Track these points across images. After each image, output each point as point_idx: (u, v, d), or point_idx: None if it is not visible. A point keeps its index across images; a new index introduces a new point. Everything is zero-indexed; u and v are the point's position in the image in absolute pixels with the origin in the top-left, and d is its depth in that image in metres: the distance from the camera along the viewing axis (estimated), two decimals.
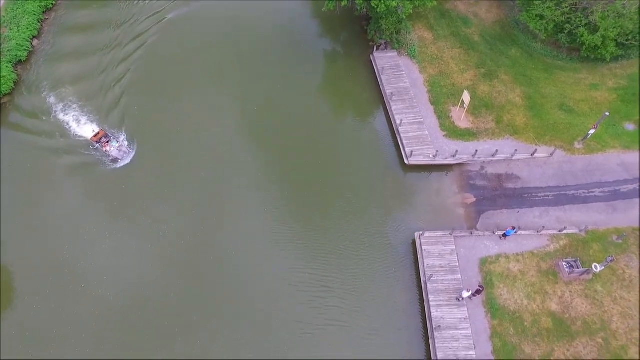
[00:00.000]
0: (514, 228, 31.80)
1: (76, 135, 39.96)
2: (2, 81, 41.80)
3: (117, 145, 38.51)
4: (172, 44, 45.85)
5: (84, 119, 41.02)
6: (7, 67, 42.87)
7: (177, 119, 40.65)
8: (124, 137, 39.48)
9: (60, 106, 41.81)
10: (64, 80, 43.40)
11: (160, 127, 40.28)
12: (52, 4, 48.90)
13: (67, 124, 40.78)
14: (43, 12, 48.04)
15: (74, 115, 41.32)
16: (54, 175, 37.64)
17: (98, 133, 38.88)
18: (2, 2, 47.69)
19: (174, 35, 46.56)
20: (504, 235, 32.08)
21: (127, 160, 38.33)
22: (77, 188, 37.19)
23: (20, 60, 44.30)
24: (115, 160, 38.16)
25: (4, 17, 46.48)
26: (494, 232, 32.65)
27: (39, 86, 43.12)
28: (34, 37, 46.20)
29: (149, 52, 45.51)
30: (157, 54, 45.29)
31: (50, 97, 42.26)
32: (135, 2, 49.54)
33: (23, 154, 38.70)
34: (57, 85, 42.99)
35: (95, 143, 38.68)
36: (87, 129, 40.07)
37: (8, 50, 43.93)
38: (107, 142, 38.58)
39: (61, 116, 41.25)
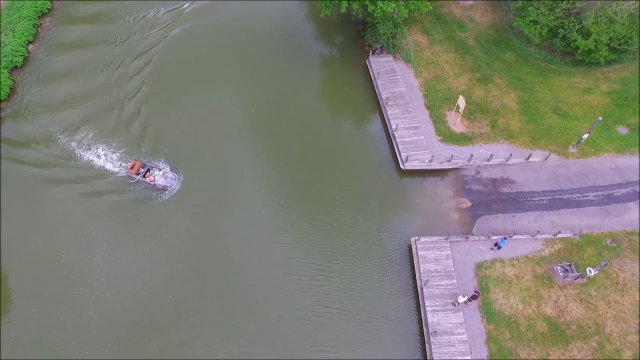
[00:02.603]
0: (505, 238, 31.95)
1: (110, 172, 38.25)
2: None
3: (161, 172, 37.07)
4: (177, 56, 45.56)
5: (109, 153, 39.20)
6: (2, 73, 42.81)
7: (197, 131, 40.35)
8: (163, 163, 38.24)
9: (83, 146, 39.77)
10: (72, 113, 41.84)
11: (189, 145, 39.52)
12: (47, 8, 48.88)
13: (96, 163, 38.75)
14: (38, 17, 47.99)
15: (99, 152, 39.39)
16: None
17: (133, 164, 37.39)
18: None
19: (179, 48, 46.19)
20: (497, 247, 32.25)
21: (177, 187, 36.89)
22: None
23: (15, 66, 44.27)
24: (164, 188, 36.65)
25: None
26: (489, 237, 32.90)
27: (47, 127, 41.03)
28: (29, 42, 46.19)
29: (157, 64, 45.09)
30: (166, 62, 45.06)
31: (69, 141, 40.08)
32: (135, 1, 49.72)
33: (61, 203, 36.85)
34: (72, 126, 40.85)
35: (134, 175, 37.00)
36: (120, 164, 38.60)
37: (4, 56, 43.87)
38: (147, 171, 37.07)
39: (91, 158, 39.12)
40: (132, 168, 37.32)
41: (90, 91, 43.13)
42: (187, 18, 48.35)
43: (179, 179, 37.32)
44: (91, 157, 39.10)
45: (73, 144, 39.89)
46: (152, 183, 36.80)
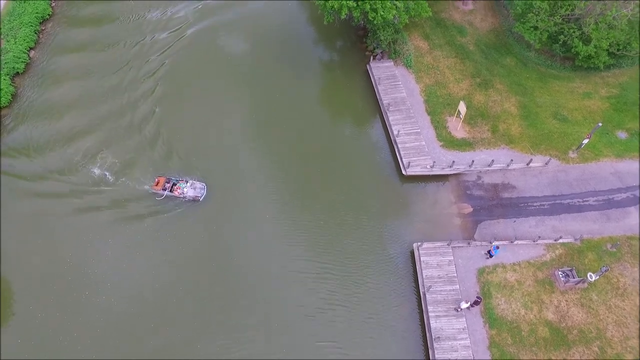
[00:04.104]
0: (498, 247, 32.22)
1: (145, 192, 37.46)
2: (0, 94, 41.81)
3: (189, 184, 36.79)
4: (185, 66, 45.47)
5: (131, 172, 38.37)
6: (4, 79, 42.88)
7: (207, 140, 40.43)
8: (187, 177, 37.63)
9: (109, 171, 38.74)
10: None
11: (200, 154, 39.63)
12: (48, 14, 48.96)
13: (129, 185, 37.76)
14: (40, 23, 48.06)
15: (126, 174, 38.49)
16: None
17: (158, 181, 36.74)
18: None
19: (185, 58, 46.15)
20: (490, 256, 32.50)
21: (205, 194, 36.74)
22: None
23: (17, 72, 44.35)
24: (195, 199, 36.47)
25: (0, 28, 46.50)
26: (490, 242, 33.17)
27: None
28: (31, 48, 46.26)
29: (167, 73, 44.85)
30: (176, 75, 44.79)
31: (92, 168, 38.86)
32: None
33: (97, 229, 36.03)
34: (94, 153, 39.74)
35: (161, 192, 36.53)
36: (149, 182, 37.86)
37: (5, 63, 43.94)
38: (173, 185, 36.62)
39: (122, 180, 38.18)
40: (156, 185, 36.75)
41: (101, 111, 42.35)
42: (193, 25, 48.62)
43: (207, 187, 37.08)
44: (103, 175, 38.39)
45: (95, 169, 38.97)
46: (182, 196, 36.48)
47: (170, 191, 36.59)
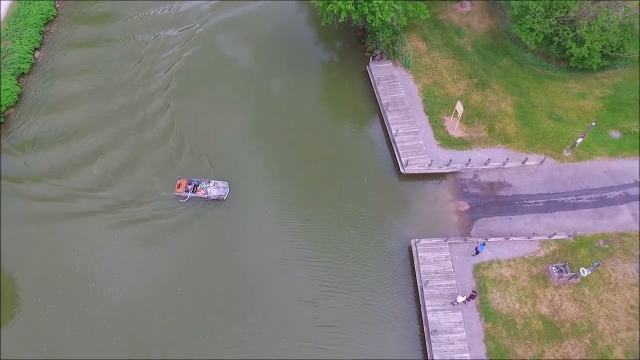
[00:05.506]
0: (484, 244, 33.01)
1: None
2: (6, 94, 42.64)
3: (211, 184, 37.32)
4: (191, 70, 46.34)
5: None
6: (10, 79, 43.72)
7: (220, 139, 41.46)
8: (207, 179, 38.11)
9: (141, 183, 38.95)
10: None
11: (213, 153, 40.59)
12: (52, 15, 49.76)
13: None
14: (44, 24, 48.89)
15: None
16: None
17: (179, 184, 37.24)
18: (2, 15, 48.48)
19: (192, 62, 47.07)
20: (476, 252, 33.26)
21: (228, 193, 37.34)
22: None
23: (23, 73, 45.19)
24: (219, 199, 37.04)
25: (6, 29, 47.30)
26: (486, 239, 34.08)
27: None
28: (35, 49, 47.08)
29: (179, 77, 45.76)
30: (187, 75, 45.76)
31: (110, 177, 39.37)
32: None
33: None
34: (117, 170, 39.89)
35: (184, 194, 37.05)
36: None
37: (11, 63, 44.76)
38: (195, 187, 37.18)
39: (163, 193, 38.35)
40: (178, 187, 37.19)
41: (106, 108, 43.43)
42: (197, 39, 49.21)
43: (229, 186, 37.68)
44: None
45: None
46: (205, 196, 37.01)
47: (193, 192, 37.17)
